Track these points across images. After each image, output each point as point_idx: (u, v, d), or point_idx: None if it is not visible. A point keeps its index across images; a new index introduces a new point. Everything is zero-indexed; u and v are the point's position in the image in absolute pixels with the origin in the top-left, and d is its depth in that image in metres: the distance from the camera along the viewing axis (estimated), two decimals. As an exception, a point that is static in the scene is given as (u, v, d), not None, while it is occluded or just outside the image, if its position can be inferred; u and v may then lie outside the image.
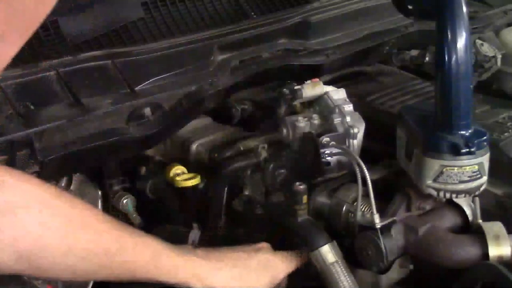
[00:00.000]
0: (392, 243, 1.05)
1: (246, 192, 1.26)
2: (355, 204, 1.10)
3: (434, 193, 1.04)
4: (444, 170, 1.02)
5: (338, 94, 1.23)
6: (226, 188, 1.25)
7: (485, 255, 1.01)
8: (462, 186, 1.03)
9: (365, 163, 1.07)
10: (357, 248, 1.08)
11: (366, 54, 1.45)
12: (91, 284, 1.19)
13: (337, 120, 1.19)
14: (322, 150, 1.15)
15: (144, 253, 0.95)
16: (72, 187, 1.25)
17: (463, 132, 1.01)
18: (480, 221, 1.07)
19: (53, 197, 0.88)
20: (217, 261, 1.05)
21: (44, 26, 1.27)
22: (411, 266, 1.08)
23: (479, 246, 1.02)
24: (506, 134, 1.18)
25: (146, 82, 1.19)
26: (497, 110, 1.27)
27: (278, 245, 1.15)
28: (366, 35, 1.41)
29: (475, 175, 1.02)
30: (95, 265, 0.91)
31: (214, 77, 1.23)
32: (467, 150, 1.00)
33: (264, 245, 1.12)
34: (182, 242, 1.23)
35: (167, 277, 0.98)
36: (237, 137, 1.33)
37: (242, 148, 1.28)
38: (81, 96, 1.13)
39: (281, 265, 1.10)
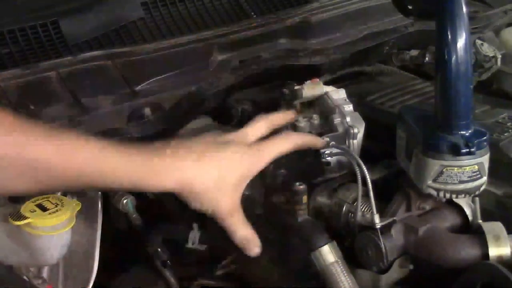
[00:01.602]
0: (392, 243, 1.05)
1: (246, 192, 1.26)
2: (355, 204, 1.10)
3: (434, 193, 1.04)
4: (444, 170, 1.02)
5: (338, 94, 1.23)
6: (226, 188, 1.25)
7: (485, 255, 1.01)
8: (462, 186, 1.03)
9: (365, 163, 1.07)
10: (357, 248, 1.08)
11: (366, 54, 1.45)
12: (91, 284, 1.19)
13: (337, 120, 1.19)
14: (322, 150, 1.15)
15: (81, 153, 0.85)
16: (72, 187, 1.25)
17: (463, 132, 1.01)
18: (480, 221, 1.07)
19: None
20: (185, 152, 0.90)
21: (44, 26, 1.28)
22: (411, 266, 1.08)
23: (479, 246, 1.02)
24: (506, 134, 1.18)
25: (146, 82, 1.20)
26: (497, 110, 1.27)
27: (278, 245, 1.15)
28: (366, 35, 1.42)
29: (475, 175, 1.02)
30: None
31: (214, 77, 1.23)
32: (467, 150, 1.00)
33: (234, 137, 0.98)
34: (182, 242, 1.24)
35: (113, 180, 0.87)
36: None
37: (242, 148, 1.28)
38: (81, 96, 1.14)
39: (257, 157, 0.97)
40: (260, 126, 1.03)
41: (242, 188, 0.96)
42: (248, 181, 0.96)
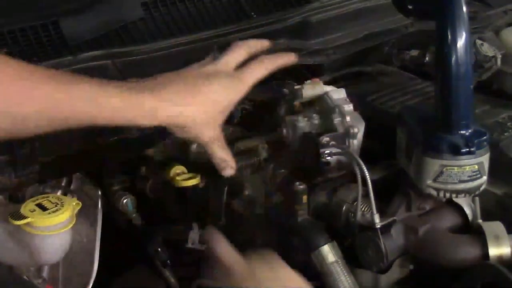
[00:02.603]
0: (392, 243, 1.05)
1: (246, 192, 1.26)
2: (355, 204, 1.10)
3: (434, 193, 1.04)
4: (444, 170, 1.02)
5: (338, 94, 1.23)
6: (226, 188, 1.25)
7: (485, 255, 1.01)
8: (462, 186, 1.03)
9: (365, 163, 1.07)
10: (357, 248, 1.08)
11: (366, 54, 1.45)
12: (91, 284, 1.19)
13: (337, 120, 1.19)
14: (322, 150, 1.15)
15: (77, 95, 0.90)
16: (72, 187, 1.26)
17: (463, 132, 1.01)
18: (480, 221, 1.07)
19: None
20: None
21: (44, 26, 1.28)
22: (411, 266, 1.08)
23: (479, 246, 1.02)
24: (506, 134, 1.18)
25: (146, 82, 1.19)
26: (497, 110, 1.27)
27: (278, 245, 1.15)
28: (366, 35, 1.41)
29: (475, 175, 1.02)
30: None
31: (214, 77, 1.23)
32: (467, 150, 1.00)
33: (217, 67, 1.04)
34: (182, 242, 1.23)
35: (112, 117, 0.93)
36: (237, 137, 1.33)
37: (242, 148, 1.28)
38: (81, 96, 1.13)
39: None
40: (239, 52, 1.08)
41: (224, 116, 1.03)
42: (230, 109, 1.04)
